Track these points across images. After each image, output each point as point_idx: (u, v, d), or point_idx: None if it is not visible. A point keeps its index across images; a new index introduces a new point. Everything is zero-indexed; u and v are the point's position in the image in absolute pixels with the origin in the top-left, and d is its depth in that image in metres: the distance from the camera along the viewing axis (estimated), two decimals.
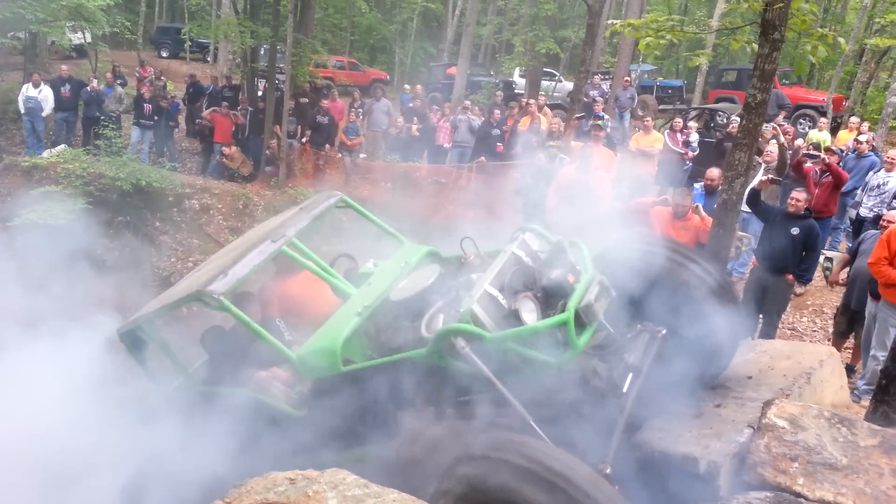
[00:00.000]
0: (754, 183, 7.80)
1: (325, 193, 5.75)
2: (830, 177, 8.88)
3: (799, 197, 7.06)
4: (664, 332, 4.38)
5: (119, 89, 14.29)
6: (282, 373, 4.80)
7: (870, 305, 6.70)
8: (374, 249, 6.65)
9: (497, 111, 13.85)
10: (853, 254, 7.22)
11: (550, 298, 4.08)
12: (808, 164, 9.37)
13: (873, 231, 7.46)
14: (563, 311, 3.81)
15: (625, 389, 3.90)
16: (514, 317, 3.88)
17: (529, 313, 3.91)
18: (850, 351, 7.38)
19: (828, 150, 9.16)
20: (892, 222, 6.83)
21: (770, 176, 8.01)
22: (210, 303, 4.52)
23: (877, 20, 19.89)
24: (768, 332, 7.25)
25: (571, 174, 8.57)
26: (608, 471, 3.42)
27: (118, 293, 8.41)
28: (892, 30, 18.88)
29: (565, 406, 3.98)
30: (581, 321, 3.84)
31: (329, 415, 4.33)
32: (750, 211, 7.52)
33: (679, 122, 12.27)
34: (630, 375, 3.95)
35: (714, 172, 7.74)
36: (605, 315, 4.08)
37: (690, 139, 12.06)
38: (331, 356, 4.30)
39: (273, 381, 4.70)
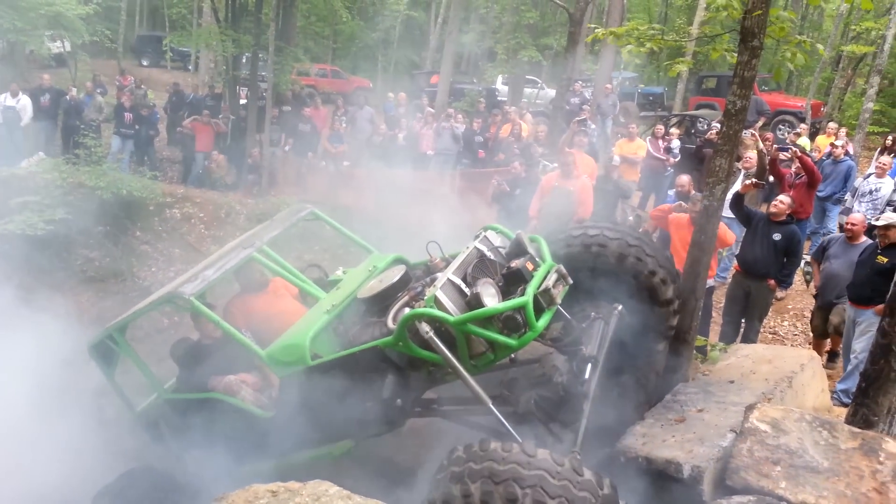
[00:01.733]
0: (737, 187, 7.88)
1: (296, 206, 5.90)
2: (805, 177, 9.00)
3: (782, 202, 7.14)
4: (620, 307, 4.75)
5: (99, 98, 14.18)
6: (250, 377, 4.89)
7: (849, 311, 6.78)
8: (344, 259, 6.69)
9: (479, 119, 13.89)
10: (820, 258, 7.34)
11: (511, 285, 4.24)
12: (783, 161, 9.50)
13: (839, 235, 7.58)
14: (522, 295, 3.99)
15: (586, 377, 4.13)
16: (476, 301, 4.00)
17: (490, 297, 4.05)
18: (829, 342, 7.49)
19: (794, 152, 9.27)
20: (855, 224, 6.96)
21: (754, 180, 8.09)
22: (181, 304, 4.61)
23: (852, 28, 20.25)
24: (750, 337, 7.32)
25: (553, 180, 8.60)
26: (578, 457, 3.55)
27: (98, 304, 8.31)
28: (867, 37, 19.21)
29: (531, 401, 4.19)
30: (540, 305, 4.03)
31: (299, 413, 4.37)
32: (732, 216, 7.59)
33: (661, 128, 12.37)
34: (589, 365, 4.16)
35: (683, 179, 7.80)
36: (562, 301, 4.29)
37: (672, 146, 12.16)
38: (299, 351, 4.39)
39: (242, 385, 4.78)
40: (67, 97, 13.60)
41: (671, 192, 7.96)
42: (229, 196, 11.27)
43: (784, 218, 7.14)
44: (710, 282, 7.23)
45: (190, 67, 25.42)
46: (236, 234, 6.87)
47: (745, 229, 7.48)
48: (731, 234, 6.93)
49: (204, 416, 4.80)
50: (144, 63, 26.86)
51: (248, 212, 10.31)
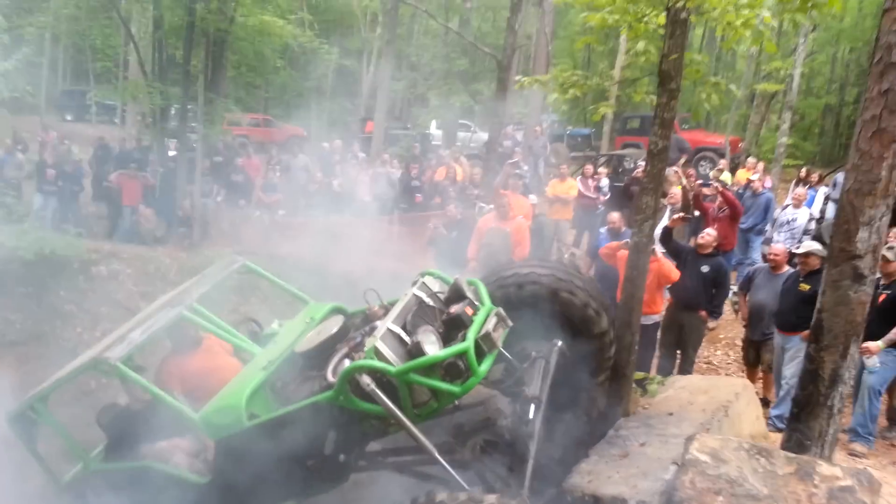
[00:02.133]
0: (665, 222, 8.14)
1: (227, 259, 5.76)
2: (728, 210, 9.39)
3: (708, 235, 7.41)
4: (559, 343, 4.80)
5: (20, 155, 13.71)
6: (183, 442, 4.67)
7: (777, 338, 7.01)
8: (283, 310, 6.57)
9: (416, 164, 14.03)
10: (747, 289, 7.60)
11: (451, 331, 4.25)
12: (707, 196, 9.92)
13: (763, 265, 7.89)
14: (463, 340, 3.97)
15: (530, 417, 4.14)
16: (417, 350, 3.98)
17: (431, 345, 4.03)
18: (762, 381, 7.67)
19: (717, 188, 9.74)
20: (778, 255, 7.26)
21: (681, 214, 8.39)
22: (106, 370, 4.40)
23: (763, 67, 21.47)
24: (686, 368, 7.48)
25: (490, 222, 8.71)
26: (527, 500, 3.61)
27: (20, 369, 7.88)
28: (777, 75, 20.38)
29: (477, 447, 4.18)
30: (481, 350, 4.03)
31: (237, 477, 4.20)
32: (664, 250, 7.81)
33: (590, 168, 12.75)
34: (532, 406, 4.18)
35: (615, 216, 8.03)
36: (502, 344, 4.30)
37: (601, 184, 12.53)
38: (235, 412, 4.22)
39: (175, 450, 4.56)
40: None
41: (603, 230, 8.15)
42: (159, 250, 10.94)
43: (710, 250, 7.39)
44: (656, 317, 7.39)
45: (116, 121, 24.89)
46: (167, 289, 6.64)
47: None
48: (675, 271, 7.11)
49: (136, 485, 4.55)
50: (69, 118, 26.14)
51: (180, 266, 10.01)
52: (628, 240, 7.61)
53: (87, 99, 19.51)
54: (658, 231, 7.55)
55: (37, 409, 4.75)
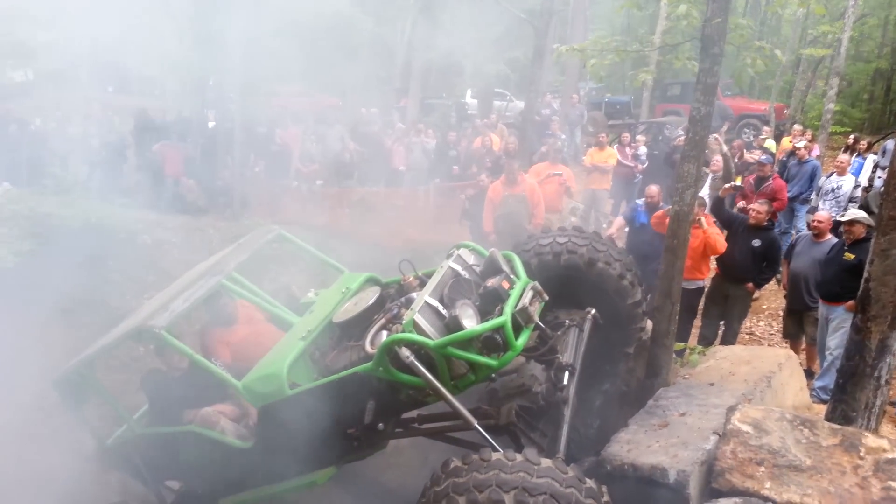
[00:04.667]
0: (706, 190, 7.99)
1: (263, 229, 5.81)
2: (770, 184, 9.18)
3: (760, 209, 7.20)
4: (593, 312, 4.89)
5: (66, 127, 13.99)
6: (226, 408, 4.79)
7: (821, 309, 6.89)
8: (324, 279, 6.65)
9: (451, 133, 13.95)
10: (788, 257, 7.44)
11: (488, 305, 4.27)
12: (749, 163, 9.71)
13: (806, 233, 7.71)
14: (500, 315, 4.01)
15: (564, 384, 4.21)
16: (455, 324, 4.02)
17: (469, 319, 4.07)
18: (805, 352, 7.56)
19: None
20: (822, 221, 7.08)
21: (732, 183, 8.22)
22: (151, 338, 4.49)
23: (809, 31, 20.74)
24: (729, 339, 7.40)
25: (500, 190, 8.60)
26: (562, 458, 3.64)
27: (73, 335, 8.14)
28: (824, 40, 19.67)
29: (512, 412, 4.21)
30: (518, 323, 4.06)
31: (279, 442, 4.31)
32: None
33: (626, 136, 12.53)
34: (567, 373, 4.25)
35: (653, 189, 7.91)
36: (539, 316, 4.33)
37: (639, 152, 12.31)
38: (277, 380, 4.32)
39: (219, 416, 4.67)
40: (32, 127, 13.39)
41: (640, 202, 8.01)
42: (201, 220, 11.15)
43: (764, 224, 7.21)
44: (700, 282, 7.30)
45: (157, 92, 25.18)
46: (210, 258, 6.78)
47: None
48: (722, 242, 7.00)
49: (180, 448, 4.68)
50: (110, 89, 26.55)
51: (222, 235, 10.20)
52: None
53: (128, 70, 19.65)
54: (704, 200, 7.44)
55: (83, 373, 4.88)
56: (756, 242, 7.11)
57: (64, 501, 5.34)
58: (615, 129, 20.12)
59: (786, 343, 7.88)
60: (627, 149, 12.21)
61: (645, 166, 12.08)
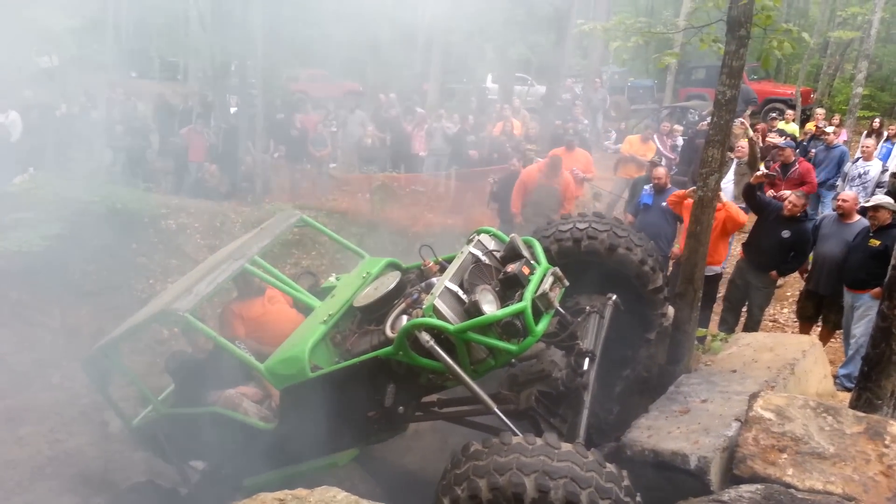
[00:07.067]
0: (731, 177, 7.88)
1: (285, 213, 5.85)
2: (795, 170, 9.03)
3: (797, 202, 7.01)
4: (614, 297, 4.86)
5: (90, 112, 14.13)
6: (249, 389, 4.86)
7: (846, 296, 6.77)
8: (345, 263, 6.68)
9: (471, 117, 13.89)
10: (813, 240, 7.28)
11: (508, 290, 4.27)
12: (774, 145, 9.58)
13: (830, 214, 7.55)
14: (520, 300, 4.00)
15: (584, 369, 4.20)
16: (475, 309, 4.01)
17: (489, 304, 4.06)
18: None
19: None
20: (847, 200, 6.93)
21: (765, 171, 8.09)
22: (175, 321, 4.56)
23: (839, 13, 20.28)
24: (751, 327, 7.31)
25: (535, 177, 8.60)
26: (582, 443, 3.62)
27: (98, 318, 8.28)
28: (854, 22, 19.24)
29: (532, 397, 4.23)
30: (538, 309, 4.04)
31: (302, 424, 4.36)
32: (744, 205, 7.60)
33: (666, 125, 12.31)
34: (587, 359, 4.23)
35: (660, 171, 7.81)
36: (559, 302, 4.32)
37: (676, 143, 12.08)
38: (299, 363, 4.37)
39: (242, 398, 4.75)
40: (57, 112, 13.54)
41: (647, 187, 7.93)
42: (224, 205, 11.25)
43: (798, 215, 7.04)
44: (718, 268, 7.22)
45: (179, 77, 25.35)
46: (233, 242, 6.85)
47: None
48: (742, 214, 6.91)
49: (204, 429, 4.76)
50: (133, 75, 26.78)
51: (244, 220, 10.29)
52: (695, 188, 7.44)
53: (149, 56, 19.85)
54: (725, 186, 7.33)
55: (109, 355, 4.98)
56: (786, 233, 6.96)
57: (91, 480, 5.47)
58: (638, 113, 19.90)
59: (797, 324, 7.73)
60: (667, 138, 11.92)
61: (675, 160, 11.83)
